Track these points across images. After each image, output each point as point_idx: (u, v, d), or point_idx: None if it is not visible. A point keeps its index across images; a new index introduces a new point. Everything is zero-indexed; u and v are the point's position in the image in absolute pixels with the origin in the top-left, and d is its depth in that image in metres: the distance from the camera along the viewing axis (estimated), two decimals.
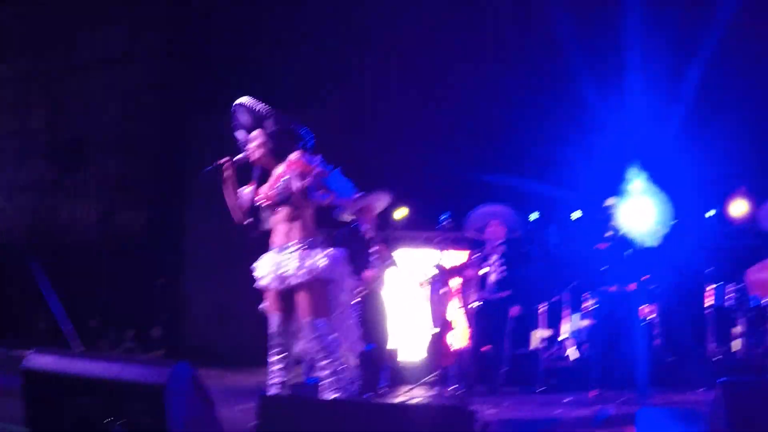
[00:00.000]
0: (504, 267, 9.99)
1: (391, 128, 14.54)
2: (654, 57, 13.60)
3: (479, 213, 10.19)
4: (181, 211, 18.47)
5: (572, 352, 12.42)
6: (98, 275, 17.38)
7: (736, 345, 11.82)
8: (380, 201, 10.09)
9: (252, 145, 6.23)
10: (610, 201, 9.77)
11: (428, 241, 13.68)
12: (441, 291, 9.93)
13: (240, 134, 6.39)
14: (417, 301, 12.26)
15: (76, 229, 19.51)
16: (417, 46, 15.28)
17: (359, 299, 9.63)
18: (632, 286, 9.48)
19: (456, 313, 11.46)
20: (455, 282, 11.40)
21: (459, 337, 11.46)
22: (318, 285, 6.01)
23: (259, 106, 6.14)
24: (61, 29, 19.63)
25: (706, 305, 12.03)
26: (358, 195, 9.53)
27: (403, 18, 15.23)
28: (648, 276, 11.51)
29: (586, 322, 12.30)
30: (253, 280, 6.28)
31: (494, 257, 10.07)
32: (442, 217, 9.23)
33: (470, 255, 10.42)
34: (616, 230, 9.57)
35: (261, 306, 6.35)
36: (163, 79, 19.35)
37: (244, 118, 6.25)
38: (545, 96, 14.58)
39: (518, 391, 10.43)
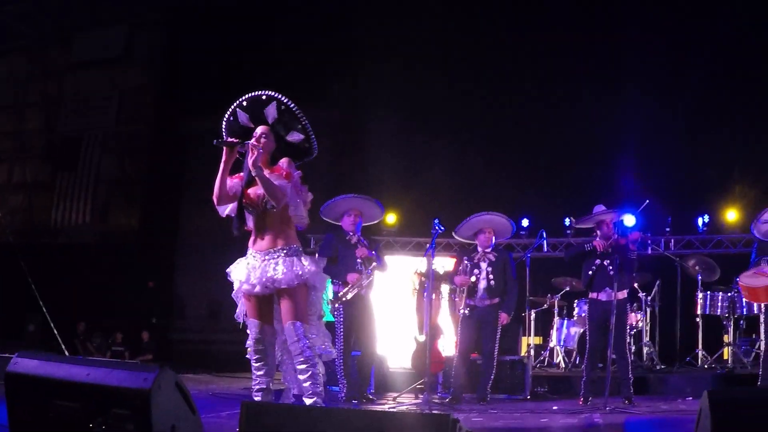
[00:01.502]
0: (493, 274, 9.99)
1: (384, 136, 14.54)
2: (652, 70, 13.68)
3: (471, 221, 10.17)
4: (175, 213, 18.48)
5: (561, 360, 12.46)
6: (89, 277, 17.37)
7: (726, 353, 11.85)
8: (368, 208, 10.11)
9: (263, 140, 6.11)
10: (600, 209, 9.77)
11: (419, 247, 13.71)
12: (430, 297, 9.91)
13: (243, 117, 6.25)
14: (406, 307, 12.27)
15: (68, 229, 19.52)
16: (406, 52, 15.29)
17: (344, 303, 9.66)
18: (622, 294, 9.47)
19: (445, 319, 11.45)
20: (445, 289, 11.40)
21: (447, 344, 11.45)
22: (303, 290, 6.06)
23: (298, 110, 6.07)
24: (59, 30, 19.67)
25: (696, 313, 12.04)
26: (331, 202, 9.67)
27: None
28: (637, 282, 11.57)
29: (575, 330, 12.32)
30: None
31: (484, 264, 10.06)
32: (434, 223, 9.16)
33: (459, 261, 10.42)
34: (606, 237, 9.57)
35: (237, 314, 6.33)
36: (159, 80, 19.41)
37: (270, 111, 6.13)
38: (539, 105, 14.64)
39: (506, 398, 10.44)
